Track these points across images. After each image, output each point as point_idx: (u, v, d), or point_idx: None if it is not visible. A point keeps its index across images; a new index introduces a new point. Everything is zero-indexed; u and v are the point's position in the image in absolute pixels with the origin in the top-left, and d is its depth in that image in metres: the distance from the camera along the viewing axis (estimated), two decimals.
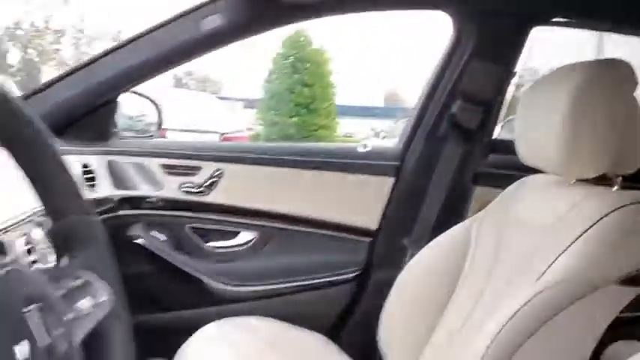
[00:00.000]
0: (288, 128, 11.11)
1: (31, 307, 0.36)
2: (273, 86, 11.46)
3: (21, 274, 0.37)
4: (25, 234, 0.67)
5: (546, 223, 0.95)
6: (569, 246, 0.85)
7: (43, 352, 0.35)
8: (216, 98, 9.15)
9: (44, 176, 0.50)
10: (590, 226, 0.85)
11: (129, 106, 1.90)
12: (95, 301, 0.48)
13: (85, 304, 0.47)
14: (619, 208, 0.86)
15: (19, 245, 0.64)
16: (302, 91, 11.22)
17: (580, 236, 0.85)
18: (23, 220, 0.84)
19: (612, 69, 0.93)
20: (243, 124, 9.17)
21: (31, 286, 0.38)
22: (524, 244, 0.99)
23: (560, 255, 0.86)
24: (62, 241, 0.51)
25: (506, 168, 1.31)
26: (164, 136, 6.35)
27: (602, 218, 0.85)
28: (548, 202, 0.99)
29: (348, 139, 15.21)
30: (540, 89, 1.00)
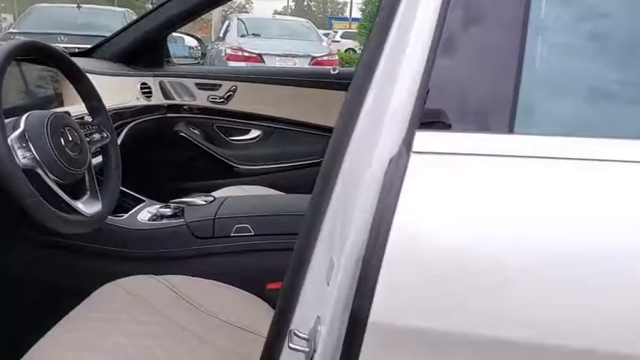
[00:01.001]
0: None
1: (67, 128, 1.05)
2: (372, 7, 11.52)
3: (63, 116, 1.06)
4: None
5: None
6: None
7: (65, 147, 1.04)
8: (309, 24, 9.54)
9: (78, 80, 1.17)
10: None
11: (190, 40, 2.66)
12: (102, 136, 1.18)
13: (96, 136, 1.17)
14: None
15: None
16: None
17: None
18: None
19: None
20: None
21: (69, 121, 1.08)
22: None
23: None
24: (89, 109, 1.20)
25: None
26: (259, 61, 7.12)
27: None
28: None
29: None
30: None
